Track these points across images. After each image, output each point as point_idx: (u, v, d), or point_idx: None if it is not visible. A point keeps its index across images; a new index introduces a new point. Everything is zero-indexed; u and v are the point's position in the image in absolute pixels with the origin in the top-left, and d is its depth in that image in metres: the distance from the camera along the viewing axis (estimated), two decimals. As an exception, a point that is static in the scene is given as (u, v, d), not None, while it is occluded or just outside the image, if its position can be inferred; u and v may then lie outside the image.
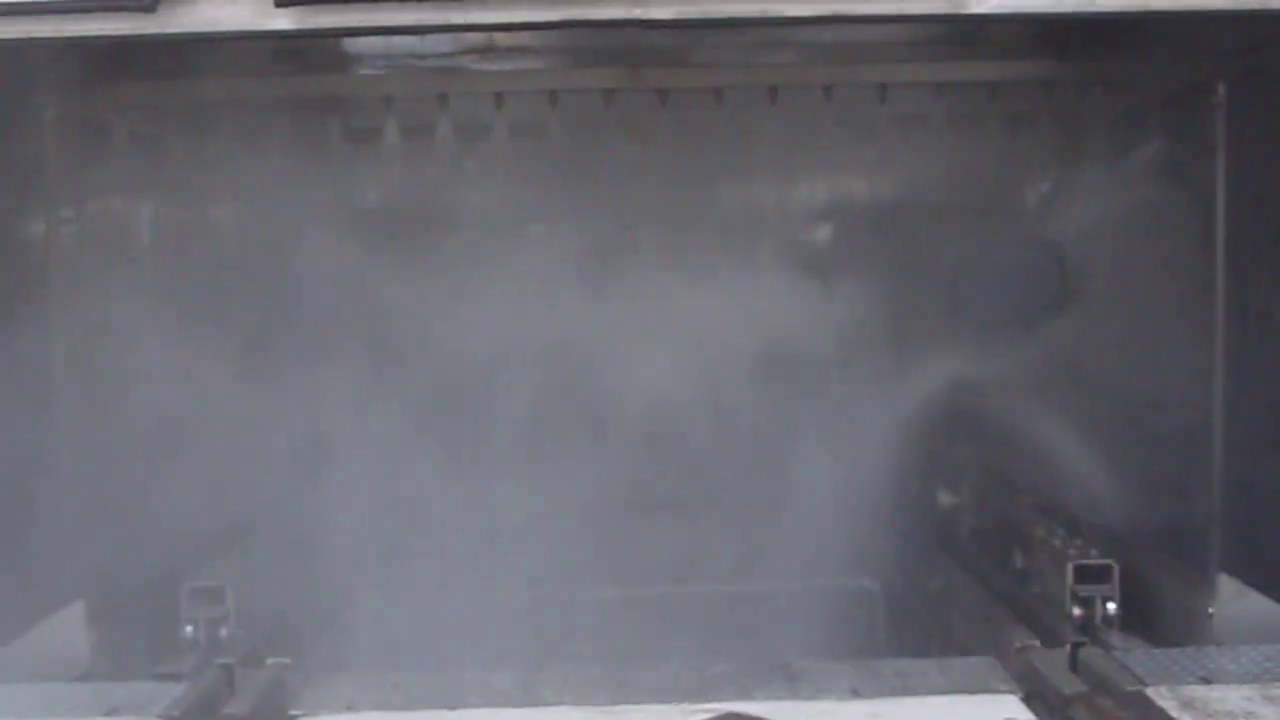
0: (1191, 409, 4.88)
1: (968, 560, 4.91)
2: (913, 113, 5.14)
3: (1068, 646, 3.53)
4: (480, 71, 4.85)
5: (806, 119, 5.14)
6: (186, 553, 4.25)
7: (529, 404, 4.88)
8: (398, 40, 4.56)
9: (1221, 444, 4.75)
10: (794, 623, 4.82)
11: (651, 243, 5.03)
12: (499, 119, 5.06)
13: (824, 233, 5.50)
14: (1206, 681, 3.17)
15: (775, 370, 4.97)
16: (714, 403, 4.92)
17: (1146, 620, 3.97)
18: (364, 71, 4.98)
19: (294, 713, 3.19)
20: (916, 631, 4.92)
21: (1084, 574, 3.96)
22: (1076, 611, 3.94)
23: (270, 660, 3.54)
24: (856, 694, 3.23)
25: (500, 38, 4.56)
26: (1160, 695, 3.07)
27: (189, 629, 3.91)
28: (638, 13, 3.29)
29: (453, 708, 3.17)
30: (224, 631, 3.89)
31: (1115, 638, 3.83)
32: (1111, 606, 3.93)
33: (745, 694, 3.20)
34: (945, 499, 5.51)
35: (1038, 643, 3.58)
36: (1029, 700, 3.20)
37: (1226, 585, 3.69)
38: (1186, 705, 3.00)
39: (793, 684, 3.28)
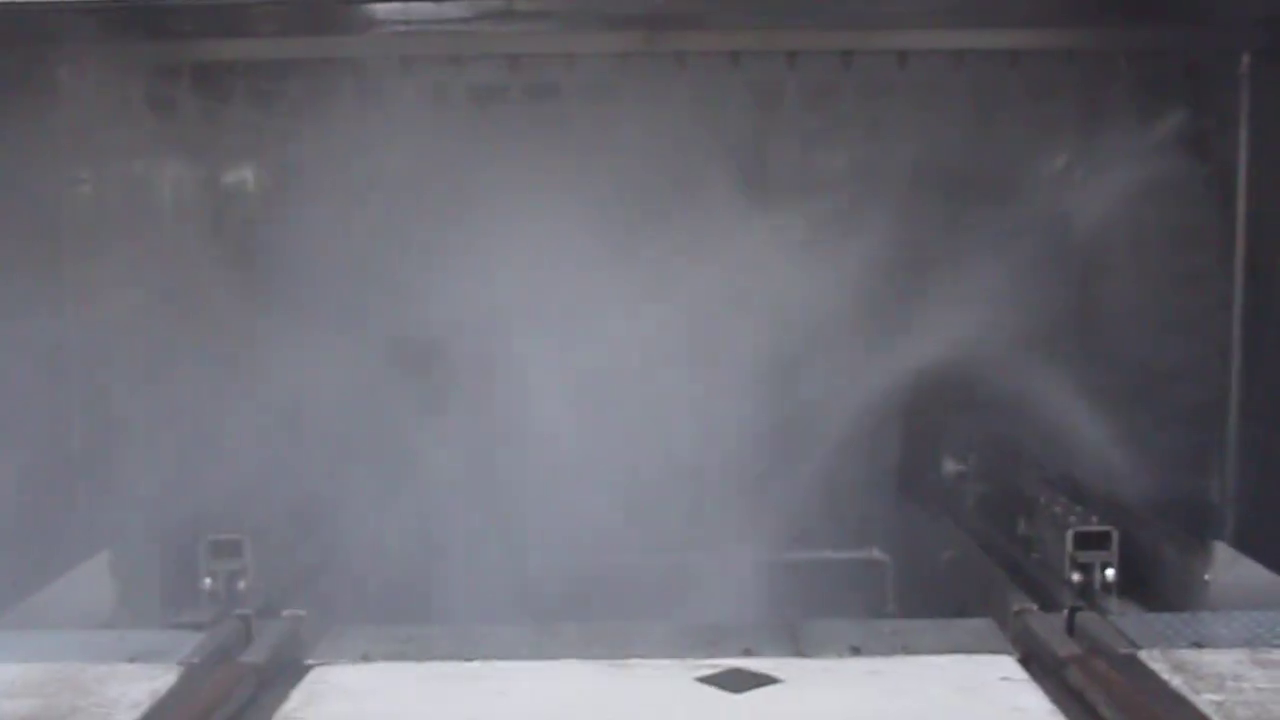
0: (1208, 383, 4.98)
1: (972, 527, 4.98)
2: (932, 80, 5.14)
3: (1065, 611, 3.60)
4: (495, 34, 4.87)
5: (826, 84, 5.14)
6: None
7: (542, 366, 4.85)
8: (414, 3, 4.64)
9: (1237, 418, 4.91)
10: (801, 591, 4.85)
11: (665, 208, 4.99)
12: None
13: (839, 200, 5.35)
14: (1199, 645, 3.24)
15: (781, 344, 4.96)
16: (719, 371, 4.93)
17: (1144, 586, 4.05)
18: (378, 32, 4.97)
19: (309, 661, 3.27)
20: (921, 600, 4.99)
21: (1083, 540, 4.04)
22: (1075, 577, 4.03)
23: (286, 612, 3.65)
24: (857, 652, 3.31)
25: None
26: (1153, 658, 3.15)
27: (208, 581, 4.02)
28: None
29: (465, 659, 3.26)
30: (242, 584, 3.99)
31: (1113, 603, 3.91)
32: (1110, 573, 4.02)
33: (749, 650, 3.28)
34: (952, 468, 5.57)
35: (1036, 607, 3.66)
36: (1025, 661, 3.27)
37: (1222, 553, 3.76)
38: (1178, 668, 3.08)
39: (795, 642, 3.36)
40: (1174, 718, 2.83)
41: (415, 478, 4.73)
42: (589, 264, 4.73)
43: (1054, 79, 5.21)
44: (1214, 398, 4.99)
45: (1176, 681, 3.00)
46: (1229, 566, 3.76)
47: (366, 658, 3.30)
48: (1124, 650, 3.23)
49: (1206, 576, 3.76)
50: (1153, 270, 5.09)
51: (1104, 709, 2.92)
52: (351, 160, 5.06)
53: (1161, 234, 5.03)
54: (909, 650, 3.33)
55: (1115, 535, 4.03)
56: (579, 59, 5.04)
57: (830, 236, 5.22)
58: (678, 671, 3.17)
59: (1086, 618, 3.51)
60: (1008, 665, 3.23)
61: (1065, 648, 3.29)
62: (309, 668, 3.24)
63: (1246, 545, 4.06)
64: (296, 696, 3.05)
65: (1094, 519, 4.12)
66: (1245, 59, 4.76)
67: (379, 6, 4.56)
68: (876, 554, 5.19)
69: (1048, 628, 3.45)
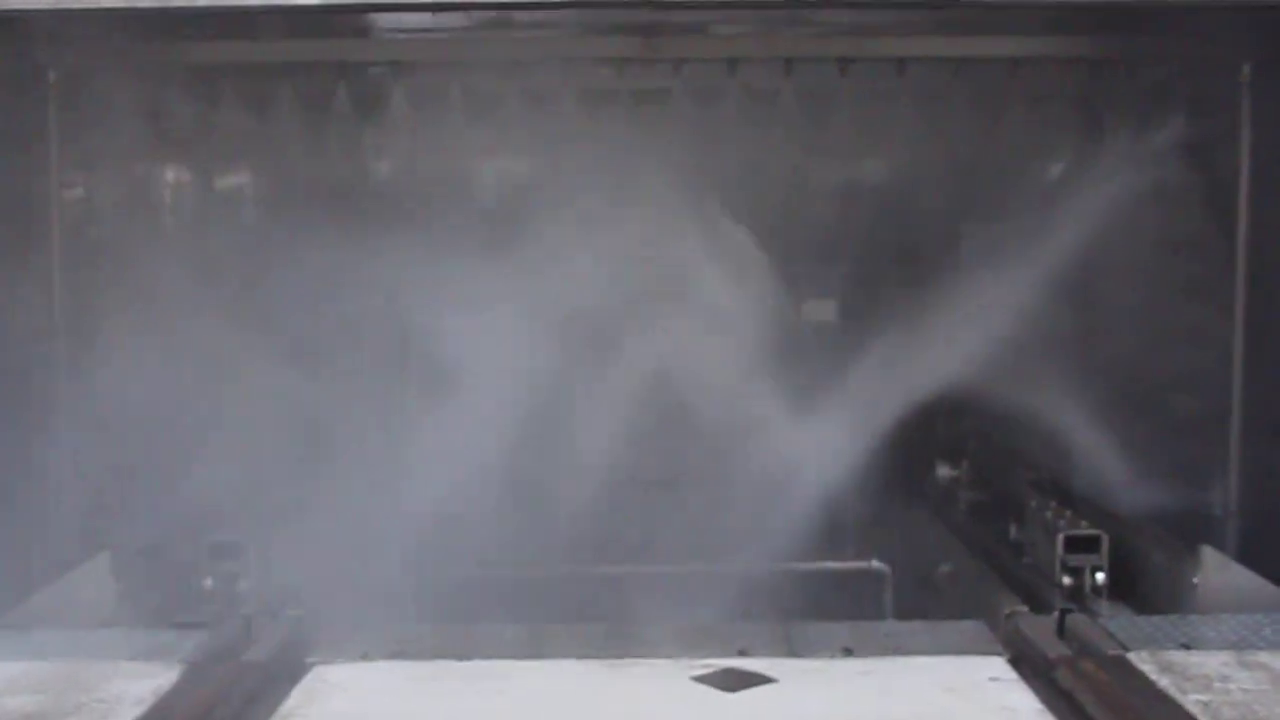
0: (1210, 393, 4.94)
1: (965, 533, 5.03)
2: (930, 88, 5.16)
3: (1055, 613, 3.64)
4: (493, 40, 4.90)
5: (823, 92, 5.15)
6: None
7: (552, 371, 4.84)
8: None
9: (1239, 429, 4.86)
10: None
11: (663, 216, 5.00)
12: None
13: (835, 210, 5.46)
14: (1186, 647, 3.29)
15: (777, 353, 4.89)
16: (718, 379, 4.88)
17: (1134, 590, 4.10)
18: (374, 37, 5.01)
19: (310, 660, 3.31)
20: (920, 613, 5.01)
21: (1074, 544, 4.11)
22: (1066, 580, 4.09)
23: (287, 611, 3.70)
24: (849, 653, 3.35)
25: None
26: (1141, 659, 3.20)
27: (209, 581, 4.08)
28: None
29: (463, 658, 3.30)
30: (243, 584, 4.05)
31: (1103, 606, 3.98)
32: (1100, 576, 4.08)
33: (744, 651, 3.32)
34: (945, 474, 5.62)
35: (1026, 609, 3.71)
36: (1015, 662, 3.31)
37: (1210, 557, 3.81)
38: (1165, 669, 3.13)
39: (788, 643, 3.40)
40: (1161, 717, 2.88)
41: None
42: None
43: (1054, 87, 5.23)
44: (1216, 408, 4.94)
45: (1164, 682, 3.05)
46: (1217, 570, 3.81)
47: (366, 657, 3.34)
48: (1113, 651, 3.28)
49: (1195, 580, 3.82)
50: (1153, 280, 5.08)
51: (1092, 709, 2.96)
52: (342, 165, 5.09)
53: (1162, 243, 5.01)
54: (900, 651, 3.37)
55: (1105, 539, 4.10)
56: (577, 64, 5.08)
57: (824, 244, 5.29)
58: (673, 671, 3.21)
59: (1076, 620, 3.55)
60: (998, 666, 3.27)
61: (1055, 649, 3.32)
62: (309, 666, 3.28)
63: (1250, 557, 4.13)
64: (297, 694, 3.09)
65: (1083, 523, 4.18)
66: (1246, 68, 4.74)
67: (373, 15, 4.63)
68: (875, 565, 5.16)
69: (1038, 629, 3.49)
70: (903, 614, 4.94)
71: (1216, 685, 3.03)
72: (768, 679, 3.16)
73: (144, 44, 4.82)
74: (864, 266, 5.28)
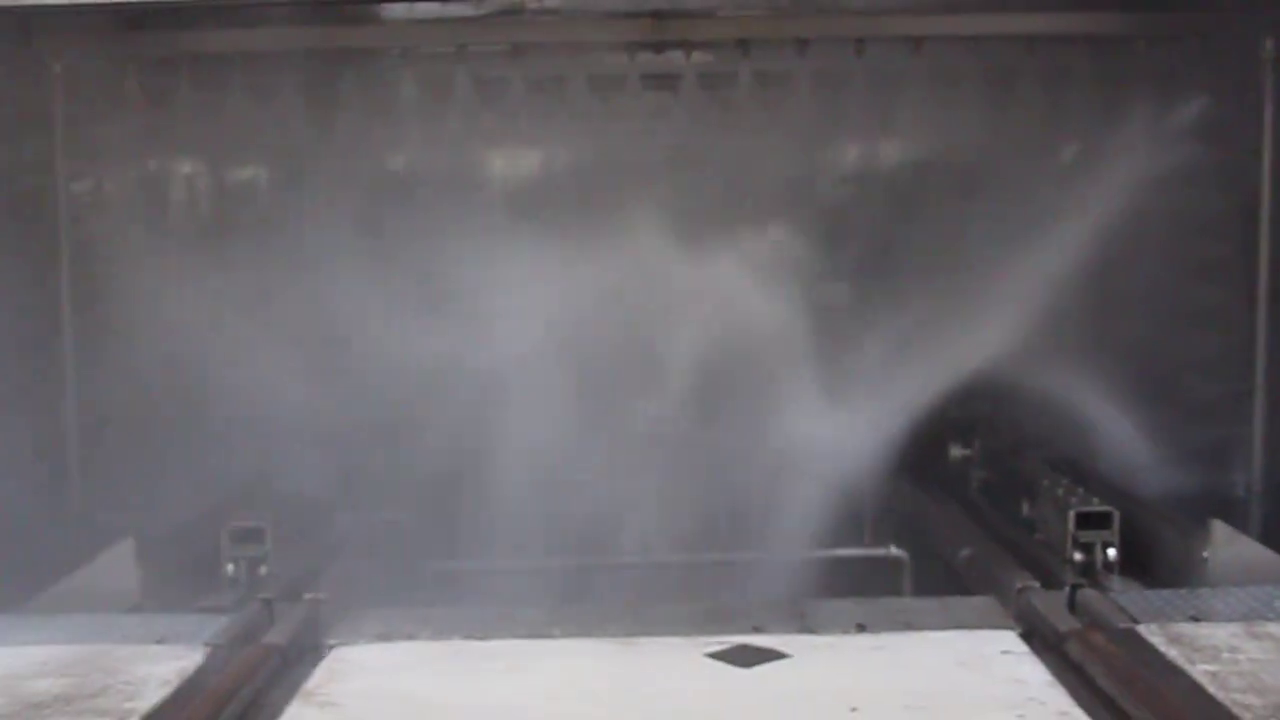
0: (1232, 375, 4.93)
1: (978, 510, 5.05)
2: (946, 66, 5.10)
3: (1066, 588, 3.68)
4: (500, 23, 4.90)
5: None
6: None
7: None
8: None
9: (1263, 410, 4.85)
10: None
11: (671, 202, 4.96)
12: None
13: (852, 194, 5.39)
14: (1195, 620, 3.33)
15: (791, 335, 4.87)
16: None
17: (1145, 565, 4.13)
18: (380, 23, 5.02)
19: (330, 642, 3.37)
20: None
21: (1085, 521, 4.14)
22: (1078, 557, 4.12)
23: (307, 595, 3.75)
24: (862, 629, 3.40)
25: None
26: (1150, 632, 3.23)
27: (230, 567, 4.13)
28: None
29: (480, 639, 3.35)
30: (263, 569, 4.10)
31: (1114, 581, 4.01)
32: (1111, 552, 4.11)
33: (758, 628, 3.37)
34: (959, 453, 5.61)
35: (1038, 585, 3.75)
36: (1027, 636, 3.36)
37: (1220, 530, 3.84)
38: (1174, 640, 3.17)
39: (802, 619, 3.46)
40: (1170, 687, 2.91)
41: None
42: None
43: (1071, 65, 5.15)
44: (1238, 390, 4.90)
45: (1173, 653, 3.09)
46: (1227, 544, 3.84)
47: (385, 638, 3.40)
48: (1123, 625, 3.31)
49: (1205, 554, 3.84)
50: (1174, 260, 5.02)
51: (1102, 680, 2.99)
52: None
53: (1182, 223, 4.95)
54: (913, 627, 3.42)
55: (1116, 516, 4.13)
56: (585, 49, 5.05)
57: (832, 228, 5.24)
58: (688, 649, 3.26)
59: (1087, 595, 3.59)
60: (1009, 640, 3.32)
61: (1066, 623, 3.36)
62: (330, 648, 3.34)
63: (1273, 538, 4.11)
64: (318, 674, 3.15)
65: (1095, 500, 4.21)
66: (1268, 43, 4.69)
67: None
68: (894, 551, 5.18)
69: (1049, 604, 3.52)
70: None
71: (1225, 656, 3.06)
72: (782, 655, 3.21)
73: (148, 33, 4.86)
74: (878, 249, 5.23)
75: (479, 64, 5.09)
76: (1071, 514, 4.14)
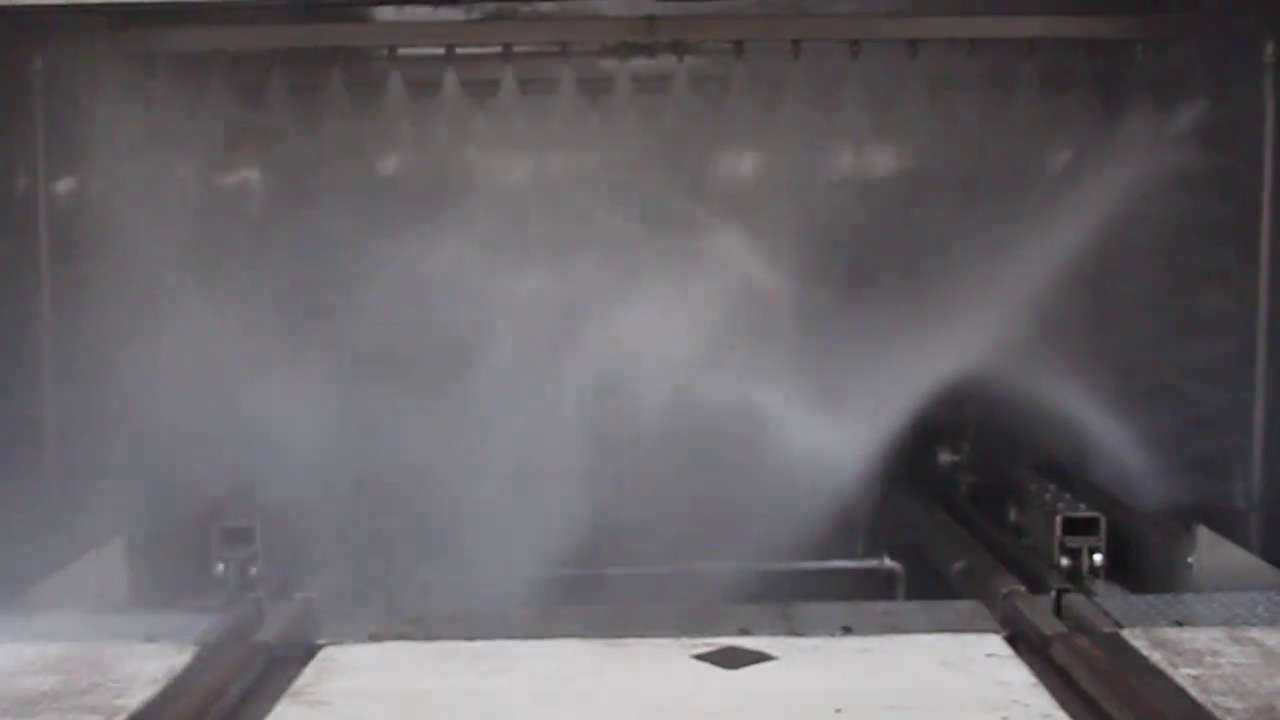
0: (1231, 384, 4.82)
1: (966, 516, 5.08)
2: (943, 70, 5.05)
3: (1052, 592, 3.71)
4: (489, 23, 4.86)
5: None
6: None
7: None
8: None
9: (1262, 420, 4.73)
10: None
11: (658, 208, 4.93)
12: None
13: (846, 202, 5.32)
14: (1179, 624, 3.35)
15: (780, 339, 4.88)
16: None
17: (1131, 570, 4.16)
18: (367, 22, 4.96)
19: (320, 641, 3.38)
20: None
21: (1072, 526, 4.17)
22: (1064, 562, 4.15)
23: (298, 594, 3.78)
24: (849, 631, 3.42)
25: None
26: (1134, 636, 3.25)
27: (220, 567, 4.15)
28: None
29: (468, 639, 3.37)
30: (253, 569, 4.12)
31: (1100, 586, 4.04)
32: (1098, 557, 4.14)
33: (743, 630, 3.39)
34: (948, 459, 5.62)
35: (1024, 589, 3.77)
36: (1012, 640, 3.36)
37: (1204, 536, 3.86)
38: (1158, 644, 3.18)
39: (788, 622, 3.48)
40: (1152, 690, 2.93)
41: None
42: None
43: (1069, 68, 5.10)
44: (1238, 399, 4.81)
45: (1156, 657, 3.11)
46: (1211, 550, 3.86)
47: (375, 637, 3.41)
48: (1107, 629, 3.34)
49: (1189, 559, 3.87)
50: (1173, 267, 4.97)
51: (1085, 682, 3.02)
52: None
53: (1182, 229, 4.88)
54: (898, 630, 3.44)
55: (1103, 521, 4.16)
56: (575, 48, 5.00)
57: (832, 228, 5.20)
58: (674, 650, 3.28)
59: (1073, 599, 3.61)
60: (994, 643, 3.33)
61: (1051, 626, 3.38)
62: (319, 647, 3.35)
63: (1273, 550, 4.14)
64: (308, 673, 3.16)
65: (1082, 506, 4.24)
66: (1270, 46, 4.58)
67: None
68: (887, 563, 5.15)
69: (1035, 608, 3.55)
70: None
71: (1207, 660, 3.08)
72: (768, 656, 3.23)
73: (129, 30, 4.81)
74: (872, 254, 5.20)
75: (468, 65, 5.04)
76: (1058, 519, 4.17)
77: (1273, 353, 4.65)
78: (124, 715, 2.84)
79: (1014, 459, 5.08)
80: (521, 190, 5.10)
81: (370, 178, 5.23)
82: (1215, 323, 4.91)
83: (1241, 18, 4.62)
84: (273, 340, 4.69)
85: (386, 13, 4.97)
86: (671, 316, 4.64)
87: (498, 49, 5.00)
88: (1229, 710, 2.79)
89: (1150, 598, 3.66)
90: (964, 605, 3.74)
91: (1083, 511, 4.22)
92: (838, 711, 2.88)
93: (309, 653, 3.31)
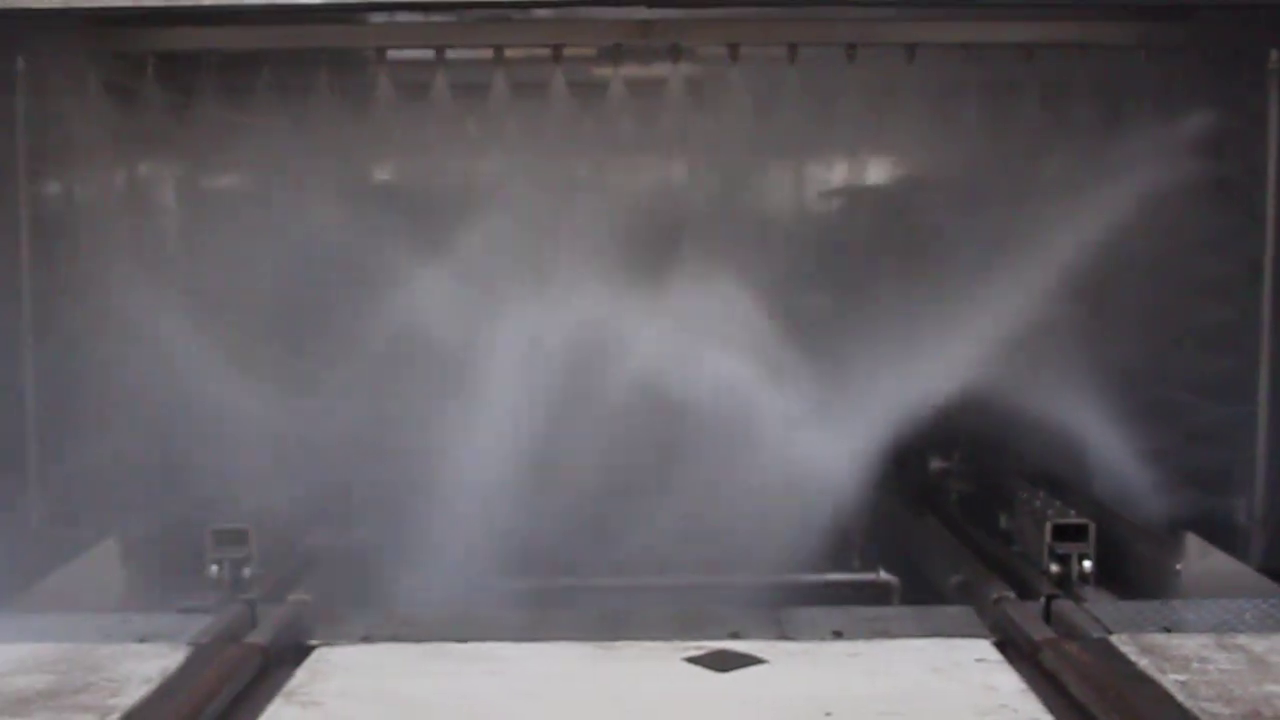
0: (1234, 397, 4.74)
1: (955, 523, 5.09)
2: (942, 76, 4.97)
3: (1042, 598, 3.74)
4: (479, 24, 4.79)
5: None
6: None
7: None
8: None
9: (1267, 432, 4.65)
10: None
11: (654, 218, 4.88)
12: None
13: (841, 209, 5.29)
14: (1168, 630, 3.37)
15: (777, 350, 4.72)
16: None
17: (1120, 577, 4.18)
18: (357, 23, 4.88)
19: (312, 642, 3.40)
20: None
21: (1062, 533, 4.19)
22: (1054, 568, 4.18)
23: (290, 596, 3.79)
24: (839, 636, 3.44)
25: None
26: (1123, 642, 3.27)
27: (214, 569, 4.16)
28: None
29: (460, 640, 3.39)
30: (246, 571, 4.14)
31: (1089, 592, 4.06)
32: (1087, 564, 4.16)
33: (734, 634, 3.41)
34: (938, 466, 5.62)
35: (1014, 595, 3.80)
36: (1001, 646, 3.39)
37: (1193, 543, 3.89)
38: (1146, 650, 3.20)
39: (779, 626, 3.50)
40: (1140, 695, 2.95)
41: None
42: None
43: (1070, 76, 5.01)
44: (1241, 413, 4.72)
45: (1144, 663, 3.13)
46: (1200, 557, 3.89)
47: (367, 639, 3.43)
48: (1096, 635, 3.36)
49: (1178, 566, 3.90)
50: (1174, 278, 4.89)
51: (1074, 688, 3.04)
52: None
53: (1184, 240, 4.77)
54: (888, 634, 3.46)
55: (1092, 528, 4.18)
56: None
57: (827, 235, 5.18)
58: (666, 653, 3.30)
59: (1062, 605, 3.64)
60: (983, 648, 3.35)
61: (1040, 632, 3.40)
62: (312, 648, 3.37)
63: (1277, 566, 4.10)
64: (301, 674, 3.18)
65: (1071, 512, 4.26)
66: (1275, 54, 4.51)
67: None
68: (883, 575, 5.06)
69: (1024, 614, 3.58)
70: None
71: (1195, 666, 3.10)
72: (758, 660, 3.25)
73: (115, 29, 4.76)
74: (868, 262, 5.12)
75: (459, 69, 4.98)
76: (1048, 526, 4.20)
77: (1276, 366, 4.60)
78: (118, 715, 2.86)
79: (1007, 468, 5.07)
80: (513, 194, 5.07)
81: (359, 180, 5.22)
82: (1217, 335, 4.85)
83: (1246, 26, 4.57)
84: (259, 343, 4.69)
85: (378, 15, 4.91)
86: (666, 323, 4.60)
87: (489, 52, 4.94)
88: (1216, 716, 2.82)
89: (1139, 604, 3.68)
90: (954, 611, 3.76)
91: (1072, 518, 4.23)
92: (827, 715, 2.90)
93: (301, 654, 3.34)
